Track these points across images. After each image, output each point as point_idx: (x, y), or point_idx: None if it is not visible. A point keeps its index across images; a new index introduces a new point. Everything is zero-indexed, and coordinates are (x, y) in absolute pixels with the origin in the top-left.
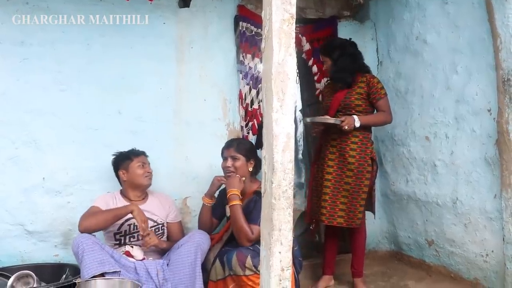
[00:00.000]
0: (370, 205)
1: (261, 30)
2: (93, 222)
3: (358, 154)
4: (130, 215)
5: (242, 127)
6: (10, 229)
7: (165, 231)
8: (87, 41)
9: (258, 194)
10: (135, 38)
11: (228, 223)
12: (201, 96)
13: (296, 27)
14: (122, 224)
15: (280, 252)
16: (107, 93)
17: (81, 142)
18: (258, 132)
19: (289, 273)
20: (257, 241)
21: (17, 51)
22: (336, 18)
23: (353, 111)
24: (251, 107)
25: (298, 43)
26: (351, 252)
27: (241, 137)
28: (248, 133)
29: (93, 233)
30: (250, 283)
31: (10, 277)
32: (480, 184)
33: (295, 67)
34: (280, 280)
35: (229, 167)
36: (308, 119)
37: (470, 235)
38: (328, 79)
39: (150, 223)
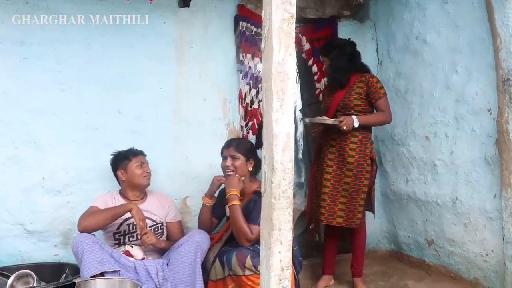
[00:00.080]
0: (369, 205)
1: (261, 29)
2: (92, 222)
3: (357, 154)
4: (129, 215)
5: (242, 126)
6: (10, 228)
7: (165, 230)
8: (87, 40)
9: (257, 194)
10: (135, 37)
11: (228, 223)
12: (201, 96)
13: (296, 26)
14: (121, 224)
15: (280, 252)
16: (107, 93)
17: (81, 142)
18: (258, 132)
19: (289, 272)
20: (256, 241)
21: (17, 50)
22: (336, 18)
23: (352, 111)
24: (251, 106)
25: (298, 43)
26: (351, 251)
27: (241, 136)
28: (248, 132)
29: (93, 233)
30: (249, 283)
31: (10, 276)
32: (480, 184)
33: (295, 66)
34: (280, 280)
35: (228, 166)
36: (307, 120)
37: (470, 234)
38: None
39: (149, 223)
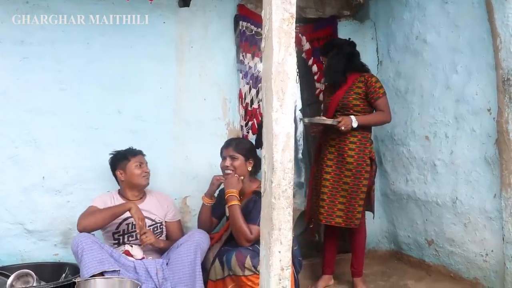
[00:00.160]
0: (369, 205)
1: (261, 29)
2: (91, 221)
3: (357, 154)
4: (128, 215)
5: (242, 126)
6: (10, 228)
7: (164, 230)
8: (87, 40)
9: (257, 194)
10: (135, 37)
11: (228, 223)
12: (201, 96)
13: (296, 26)
14: (120, 224)
15: (279, 252)
16: (107, 93)
17: (81, 141)
18: (258, 132)
19: (288, 272)
20: (256, 241)
21: (17, 50)
22: (336, 18)
23: (351, 111)
24: (251, 106)
25: (298, 43)
26: (351, 251)
27: (241, 136)
28: (248, 132)
29: (92, 233)
30: (249, 283)
31: (10, 276)
32: (480, 184)
33: (295, 66)
34: (280, 280)
35: (227, 166)
36: (306, 120)
37: (470, 234)
38: None
39: (148, 222)
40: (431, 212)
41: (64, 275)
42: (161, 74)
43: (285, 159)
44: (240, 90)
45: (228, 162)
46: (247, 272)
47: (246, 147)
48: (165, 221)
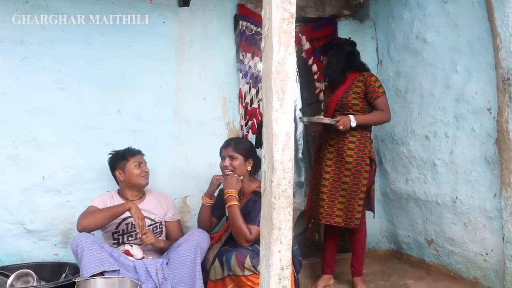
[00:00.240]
0: (369, 204)
1: (261, 29)
2: (91, 221)
3: (356, 154)
4: (127, 214)
5: (241, 126)
6: (10, 228)
7: (163, 229)
8: (87, 40)
9: (257, 194)
10: (135, 37)
11: (228, 223)
12: (200, 95)
13: (296, 26)
14: (119, 224)
15: (279, 251)
16: (107, 92)
17: (81, 141)
18: (258, 131)
19: (288, 272)
20: (256, 241)
21: (17, 50)
22: (336, 17)
23: (351, 110)
24: (250, 106)
25: (298, 42)
26: (351, 251)
27: (240, 136)
28: (248, 132)
29: (92, 232)
30: (249, 283)
31: (10, 276)
32: (480, 183)
33: (295, 66)
34: (280, 279)
35: (227, 166)
36: (304, 119)
37: (470, 234)
38: None
39: (148, 222)
40: (431, 211)
41: (64, 275)
42: (161, 73)
43: (285, 158)
44: (240, 90)
45: (227, 162)
46: (246, 272)
47: (245, 147)
48: (165, 221)
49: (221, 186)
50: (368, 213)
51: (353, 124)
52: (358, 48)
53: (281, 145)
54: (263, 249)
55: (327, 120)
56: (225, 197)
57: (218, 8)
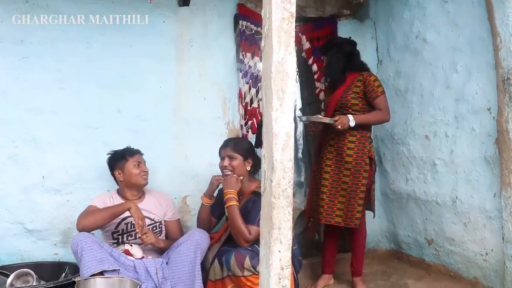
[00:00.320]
0: (369, 204)
1: (261, 28)
2: (91, 221)
3: (356, 153)
4: (127, 214)
5: (241, 125)
6: (10, 227)
7: (163, 229)
8: (87, 39)
9: (256, 194)
10: (134, 36)
11: (227, 223)
12: (200, 95)
13: (296, 25)
14: (119, 223)
15: (279, 251)
16: (106, 92)
17: (81, 141)
18: (258, 131)
19: (288, 271)
20: (255, 242)
21: (17, 49)
22: (336, 17)
23: (350, 110)
24: (250, 105)
25: (298, 42)
26: (351, 251)
27: (240, 135)
28: (248, 131)
29: (92, 232)
30: (248, 283)
31: (10, 275)
32: (480, 183)
33: (295, 65)
34: (280, 279)
35: (226, 166)
36: (303, 118)
37: (470, 234)
38: None
39: (147, 222)
40: (431, 211)
41: (64, 274)
42: (161, 73)
43: (285, 158)
44: (239, 89)
45: (226, 162)
46: (246, 273)
47: (244, 147)
48: (164, 220)
49: (220, 186)
50: (368, 213)
51: (352, 123)
52: (358, 47)
53: (281, 145)
54: (263, 248)
55: (326, 120)
56: (224, 197)
57: (218, 7)
